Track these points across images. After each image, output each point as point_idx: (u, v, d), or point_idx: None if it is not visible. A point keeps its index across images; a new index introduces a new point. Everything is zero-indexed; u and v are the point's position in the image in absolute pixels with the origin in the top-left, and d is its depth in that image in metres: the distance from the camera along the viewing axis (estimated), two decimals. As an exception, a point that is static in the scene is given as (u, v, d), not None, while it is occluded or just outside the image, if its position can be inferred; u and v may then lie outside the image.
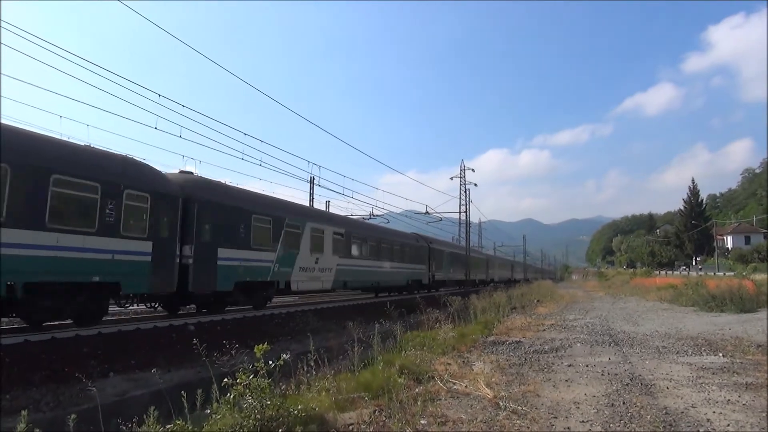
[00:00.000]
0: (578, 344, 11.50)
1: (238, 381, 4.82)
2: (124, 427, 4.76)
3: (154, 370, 7.18)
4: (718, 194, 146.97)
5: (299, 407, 5.04)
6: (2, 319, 12.43)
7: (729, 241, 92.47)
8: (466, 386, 6.95)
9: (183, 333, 11.38)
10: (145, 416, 4.60)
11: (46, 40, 12.09)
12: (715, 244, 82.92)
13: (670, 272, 69.77)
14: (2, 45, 11.46)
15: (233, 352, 5.82)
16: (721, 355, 9.99)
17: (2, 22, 11.16)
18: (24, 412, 4.03)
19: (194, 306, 16.39)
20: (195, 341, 5.52)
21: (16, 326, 12.76)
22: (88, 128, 19.34)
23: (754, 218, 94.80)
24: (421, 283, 34.83)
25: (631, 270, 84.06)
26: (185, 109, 16.14)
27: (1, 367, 7.53)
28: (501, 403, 6.07)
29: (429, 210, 45.39)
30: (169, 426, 4.62)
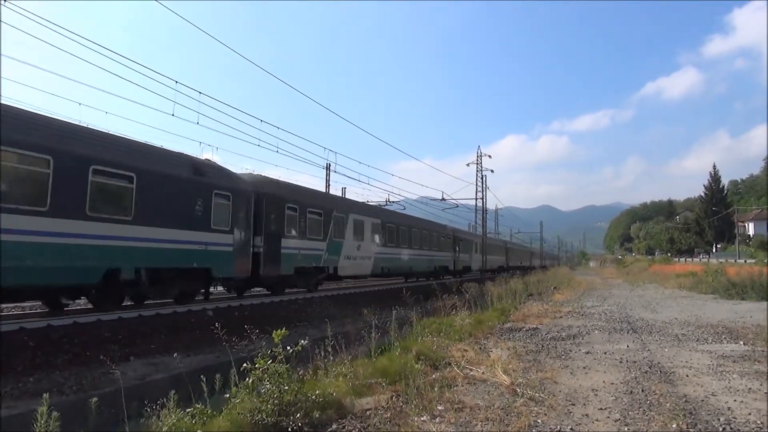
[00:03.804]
0: (596, 331, 11.42)
1: (256, 366, 4.87)
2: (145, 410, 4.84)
3: (176, 354, 7.26)
4: (739, 180, 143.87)
5: (317, 392, 5.09)
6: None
7: (750, 228, 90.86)
8: (483, 373, 6.94)
9: (202, 318, 11.53)
10: (165, 399, 4.68)
11: (64, 27, 12.15)
12: (736, 230, 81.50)
13: (690, 259, 68.88)
14: (12, 27, 11.49)
15: (253, 337, 5.87)
16: (741, 343, 9.87)
17: (17, 7, 11.24)
18: (46, 395, 4.10)
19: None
20: (216, 325, 5.58)
21: (39, 310, 13.03)
22: (106, 115, 19.46)
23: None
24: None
25: (650, 257, 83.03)
26: (202, 95, 16.16)
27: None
28: (518, 390, 6.05)
29: (445, 196, 45.06)
30: (189, 409, 4.69)
